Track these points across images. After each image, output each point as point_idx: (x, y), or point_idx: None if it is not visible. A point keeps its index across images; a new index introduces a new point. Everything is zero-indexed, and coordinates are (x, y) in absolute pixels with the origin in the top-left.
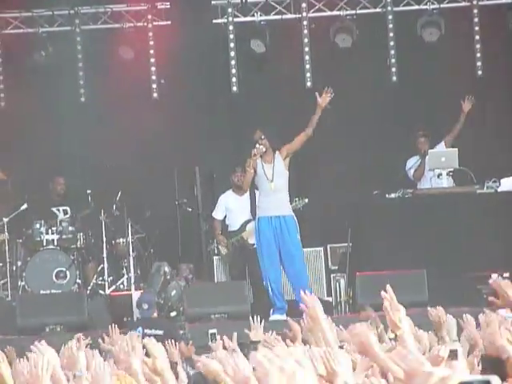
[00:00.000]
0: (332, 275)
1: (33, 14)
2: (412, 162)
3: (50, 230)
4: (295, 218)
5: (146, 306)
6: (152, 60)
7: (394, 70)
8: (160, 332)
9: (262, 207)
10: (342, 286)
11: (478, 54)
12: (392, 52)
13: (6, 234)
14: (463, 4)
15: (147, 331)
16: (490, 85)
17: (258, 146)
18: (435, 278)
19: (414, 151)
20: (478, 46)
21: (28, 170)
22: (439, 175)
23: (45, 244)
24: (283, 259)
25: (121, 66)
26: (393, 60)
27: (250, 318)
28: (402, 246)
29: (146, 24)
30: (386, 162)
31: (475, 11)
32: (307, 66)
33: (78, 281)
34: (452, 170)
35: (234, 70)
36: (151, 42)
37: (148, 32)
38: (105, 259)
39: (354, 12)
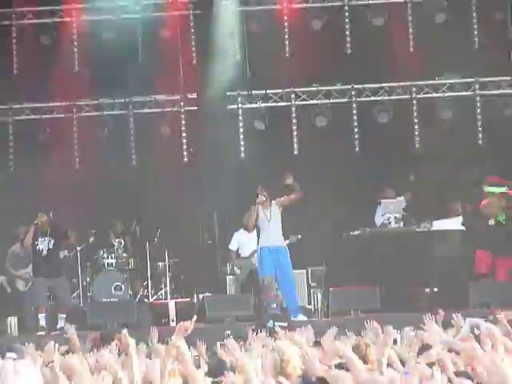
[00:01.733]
0: (312, 290)
1: (99, 102)
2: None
3: (109, 256)
4: (287, 248)
5: None
6: (184, 134)
7: (356, 143)
8: None
9: (263, 240)
10: (319, 297)
11: (416, 133)
12: (355, 130)
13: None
14: (405, 96)
15: None
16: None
17: (260, 196)
18: (386, 291)
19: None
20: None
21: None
22: (389, 218)
23: (106, 266)
24: (278, 276)
25: (161, 139)
26: (356, 136)
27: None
28: (362, 268)
29: (179, 109)
30: (351, 210)
31: (414, 102)
32: (294, 140)
33: (130, 292)
34: (398, 215)
35: (242, 142)
36: (183, 122)
37: (181, 115)
38: (149, 277)
39: (328, 101)
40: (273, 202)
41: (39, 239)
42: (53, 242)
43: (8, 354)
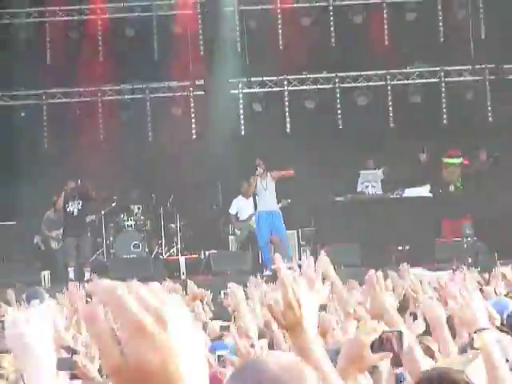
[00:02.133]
0: (302, 248)
1: (120, 87)
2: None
3: (129, 219)
4: (280, 212)
5: None
6: (192, 115)
7: (340, 122)
8: None
9: (260, 206)
10: (308, 254)
11: (391, 114)
12: (339, 111)
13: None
14: (381, 83)
15: None
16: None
17: (258, 168)
18: (365, 248)
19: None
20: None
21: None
22: (367, 186)
23: (126, 227)
24: (274, 235)
25: (173, 119)
26: (339, 116)
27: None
28: (346, 228)
29: (188, 94)
30: (335, 179)
31: (389, 88)
32: (287, 119)
33: (146, 250)
34: (375, 183)
35: (242, 122)
36: (192, 104)
37: (190, 98)
38: (163, 237)
39: (315, 87)
40: (268, 174)
41: (69, 203)
42: (80, 204)
43: (33, 302)
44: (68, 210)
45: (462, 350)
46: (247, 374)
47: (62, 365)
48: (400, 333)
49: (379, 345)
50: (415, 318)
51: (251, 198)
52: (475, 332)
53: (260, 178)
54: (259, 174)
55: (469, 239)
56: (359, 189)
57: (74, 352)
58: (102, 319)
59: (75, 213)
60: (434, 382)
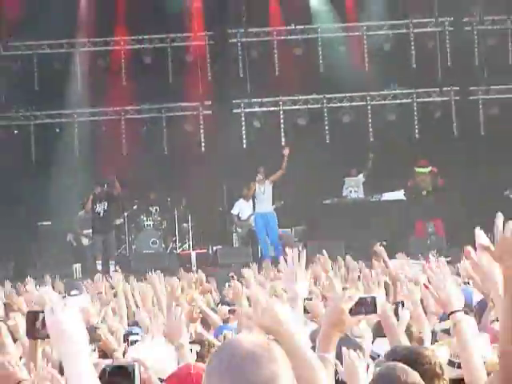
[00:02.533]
0: (295, 243)
1: (140, 107)
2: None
3: (148, 219)
4: (275, 213)
5: None
6: (201, 131)
7: (327, 136)
8: None
9: (257, 208)
10: (301, 249)
11: (371, 129)
12: (326, 127)
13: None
14: (362, 103)
15: None
16: (379, 148)
17: (258, 175)
18: (348, 244)
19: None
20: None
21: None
22: (350, 191)
23: (145, 226)
24: (269, 233)
25: (185, 135)
26: (327, 131)
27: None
28: (332, 227)
29: (198, 113)
30: (323, 184)
31: (369, 107)
32: (282, 134)
33: (163, 245)
34: (357, 188)
35: (244, 136)
36: (201, 122)
37: (199, 116)
38: (177, 234)
39: (306, 107)
40: (266, 180)
41: (97, 204)
42: (106, 205)
43: (72, 292)
44: (96, 210)
45: (433, 331)
46: (224, 351)
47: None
48: (373, 298)
49: (356, 309)
50: (403, 305)
51: (251, 201)
52: (451, 313)
53: (258, 184)
54: (258, 180)
55: (432, 237)
56: (344, 193)
57: (96, 328)
58: None
59: (101, 213)
60: (402, 357)
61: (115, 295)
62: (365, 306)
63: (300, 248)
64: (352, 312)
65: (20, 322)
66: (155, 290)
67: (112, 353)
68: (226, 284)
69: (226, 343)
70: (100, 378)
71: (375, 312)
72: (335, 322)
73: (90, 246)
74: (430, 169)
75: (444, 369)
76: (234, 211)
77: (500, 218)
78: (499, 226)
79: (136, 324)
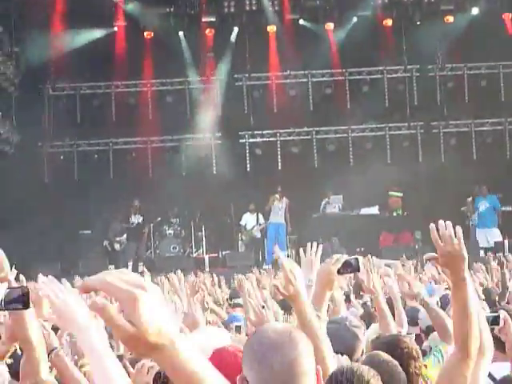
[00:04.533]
0: (289, 249)
1: (163, 138)
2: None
3: (169, 228)
4: (285, 224)
5: None
6: (214, 157)
7: (316, 162)
8: None
9: (272, 218)
10: (293, 253)
11: (351, 156)
12: (315, 155)
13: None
14: (344, 135)
15: None
16: (357, 172)
17: (276, 194)
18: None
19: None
20: None
21: (163, 203)
22: (334, 206)
23: (167, 235)
24: (279, 240)
25: (200, 160)
26: (315, 157)
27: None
28: (320, 235)
29: (210, 142)
30: (312, 201)
31: (349, 139)
32: (279, 160)
33: (181, 250)
34: (339, 205)
35: (248, 161)
36: (213, 149)
37: (211, 145)
38: (193, 241)
39: (298, 137)
40: (283, 198)
41: (132, 216)
42: (142, 219)
43: None
44: (131, 221)
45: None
46: (253, 340)
47: None
48: (357, 259)
49: (343, 269)
50: None
51: (255, 214)
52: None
53: (276, 200)
54: (274, 198)
55: (419, 244)
56: (328, 210)
57: None
58: (107, 305)
59: (135, 224)
60: (386, 342)
61: None
62: (350, 267)
63: (293, 253)
64: (340, 272)
65: None
66: (175, 287)
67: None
68: (233, 278)
69: (255, 333)
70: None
71: (359, 270)
72: (326, 281)
73: (122, 251)
74: (401, 194)
75: (419, 353)
76: (242, 222)
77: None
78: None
79: None
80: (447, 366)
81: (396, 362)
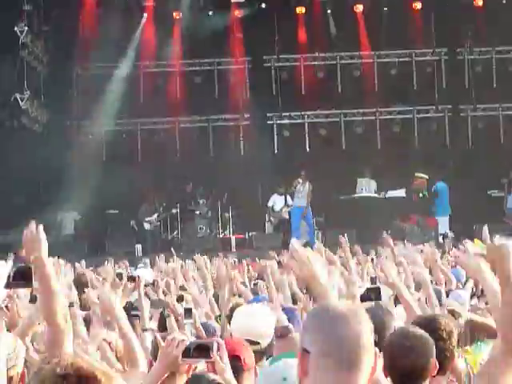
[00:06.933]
0: (315, 231)
1: (191, 118)
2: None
3: (196, 209)
4: (309, 207)
5: None
6: (241, 138)
7: (343, 144)
8: None
9: (295, 202)
10: (320, 235)
11: (378, 137)
12: (343, 137)
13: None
14: (371, 118)
15: None
16: (385, 155)
17: (300, 178)
18: (359, 232)
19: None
20: None
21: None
22: (362, 189)
23: (194, 215)
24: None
25: (228, 141)
26: (343, 140)
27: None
28: (346, 217)
29: (239, 123)
30: (340, 184)
31: (377, 120)
32: (307, 142)
33: (208, 231)
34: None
35: (275, 143)
36: (241, 131)
37: (240, 127)
38: (220, 222)
39: (326, 120)
40: (307, 182)
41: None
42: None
43: (139, 265)
44: (162, 203)
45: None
46: (320, 311)
47: None
48: (378, 287)
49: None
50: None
51: (283, 196)
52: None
53: (300, 183)
54: (298, 181)
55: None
56: (357, 191)
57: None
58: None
59: (165, 205)
60: (424, 320)
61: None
62: (372, 294)
63: (320, 233)
64: (361, 299)
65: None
66: (202, 270)
67: (177, 316)
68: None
69: (321, 305)
70: (184, 355)
71: (380, 299)
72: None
73: (150, 231)
74: (427, 176)
75: (452, 336)
76: (269, 204)
77: (486, 229)
78: (486, 235)
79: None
80: (493, 356)
81: (427, 335)
